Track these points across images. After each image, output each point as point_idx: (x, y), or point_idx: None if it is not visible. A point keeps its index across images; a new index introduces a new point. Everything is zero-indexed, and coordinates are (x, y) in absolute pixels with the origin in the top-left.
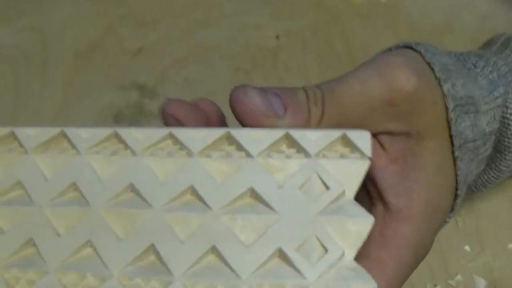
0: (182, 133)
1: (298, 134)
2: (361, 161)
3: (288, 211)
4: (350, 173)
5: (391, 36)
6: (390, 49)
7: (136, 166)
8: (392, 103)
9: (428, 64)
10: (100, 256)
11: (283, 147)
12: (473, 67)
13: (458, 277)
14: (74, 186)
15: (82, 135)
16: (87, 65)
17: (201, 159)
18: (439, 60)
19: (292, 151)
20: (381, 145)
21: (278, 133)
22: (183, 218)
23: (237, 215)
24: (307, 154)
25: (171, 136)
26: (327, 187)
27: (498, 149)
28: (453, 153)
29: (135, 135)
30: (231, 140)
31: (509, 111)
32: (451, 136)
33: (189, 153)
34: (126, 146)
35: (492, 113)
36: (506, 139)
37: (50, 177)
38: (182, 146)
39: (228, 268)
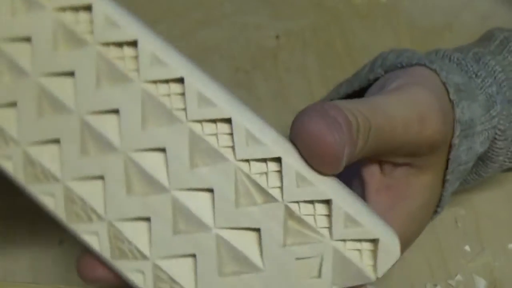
0: (255, 125)
1: (338, 211)
2: (368, 274)
3: (272, 273)
4: (350, 275)
5: (391, 36)
6: (402, 66)
7: (180, 134)
8: (418, 145)
9: (444, 84)
10: (105, 195)
11: (318, 205)
12: (474, 75)
13: (458, 277)
14: (117, 113)
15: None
16: None
17: (239, 171)
18: (452, 79)
19: (322, 213)
20: (381, 169)
21: (325, 195)
22: (188, 213)
23: (230, 243)
24: (331, 233)
25: (232, 122)
26: (320, 275)
27: (481, 158)
28: (444, 175)
29: (203, 104)
30: (279, 168)
31: (500, 127)
32: (447, 160)
33: (234, 155)
34: (184, 102)
35: (486, 134)
36: (491, 151)
37: (102, 86)
38: (232, 140)
39: (194, 284)
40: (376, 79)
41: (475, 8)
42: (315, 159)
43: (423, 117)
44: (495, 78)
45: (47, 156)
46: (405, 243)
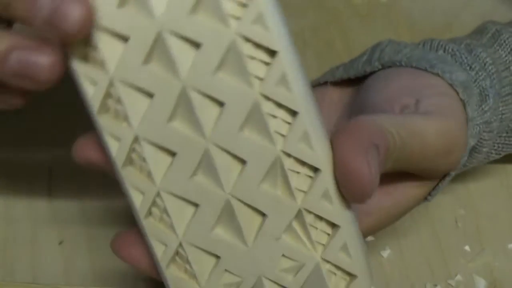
0: (315, 131)
1: (339, 238)
2: None
3: (254, 254)
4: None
5: (391, 36)
6: (400, 64)
7: (244, 99)
8: (437, 171)
9: (451, 85)
10: (146, 112)
11: (325, 223)
12: (468, 68)
13: (458, 277)
14: (197, 47)
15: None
16: None
17: (278, 160)
18: (457, 78)
19: (326, 231)
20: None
21: (337, 220)
22: (212, 169)
23: (234, 212)
24: (323, 252)
25: (296, 116)
26: (294, 276)
27: None
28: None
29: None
30: (313, 175)
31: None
32: None
33: (282, 145)
34: (264, 73)
35: (478, 128)
36: (476, 142)
37: (197, 14)
38: (288, 131)
39: (184, 226)
40: (372, 71)
41: (475, 8)
42: (347, 190)
43: (450, 151)
44: (485, 70)
45: (108, 47)
46: (370, 234)
